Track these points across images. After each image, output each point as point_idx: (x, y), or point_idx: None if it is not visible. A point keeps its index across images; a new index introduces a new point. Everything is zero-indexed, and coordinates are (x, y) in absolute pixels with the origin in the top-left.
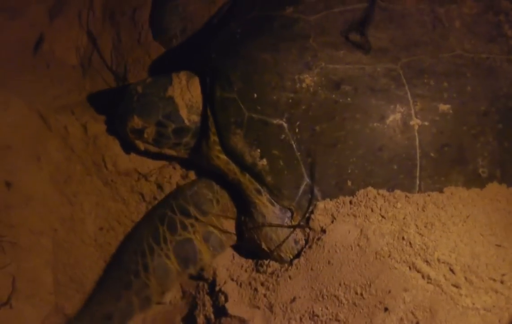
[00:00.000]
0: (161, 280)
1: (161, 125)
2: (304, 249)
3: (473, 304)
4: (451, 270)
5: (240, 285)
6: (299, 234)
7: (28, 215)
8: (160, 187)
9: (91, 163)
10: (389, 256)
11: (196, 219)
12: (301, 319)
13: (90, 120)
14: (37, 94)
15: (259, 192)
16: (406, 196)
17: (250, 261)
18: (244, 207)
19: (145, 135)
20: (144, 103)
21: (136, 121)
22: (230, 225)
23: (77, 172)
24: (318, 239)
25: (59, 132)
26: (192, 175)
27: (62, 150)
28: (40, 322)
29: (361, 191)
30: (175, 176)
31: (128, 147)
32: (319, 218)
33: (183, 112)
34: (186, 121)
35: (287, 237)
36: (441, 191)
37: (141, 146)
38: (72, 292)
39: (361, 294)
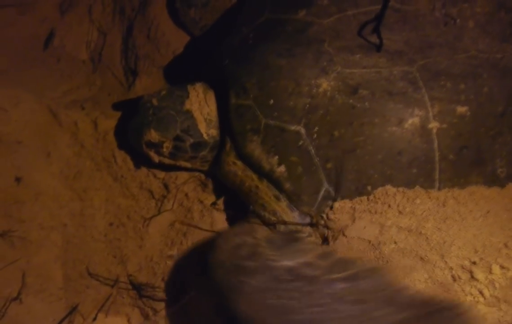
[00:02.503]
0: None
1: (179, 139)
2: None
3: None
4: (471, 262)
5: None
6: (318, 236)
7: (38, 210)
8: (166, 186)
9: (101, 159)
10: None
11: None
12: None
13: (100, 116)
14: (47, 90)
15: (277, 198)
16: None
17: None
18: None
19: (163, 150)
20: (161, 117)
21: (154, 136)
22: None
23: (87, 167)
24: (335, 237)
25: (69, 127)
26: (200, 176)
27: (72, 146)
28: (49, 317)
29: (380, 189)
30: (181, 177)
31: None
32: (337, 217)
33: (202, 127)
34: (204, 135)
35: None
36: None
37: (156, 159)
38: (82, 287)
39: None
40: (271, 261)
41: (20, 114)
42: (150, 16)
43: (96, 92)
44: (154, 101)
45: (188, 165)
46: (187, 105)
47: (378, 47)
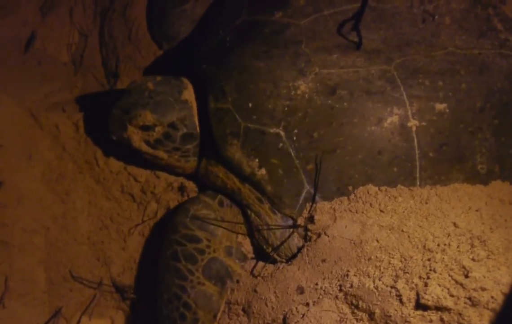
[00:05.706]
0: (207, 307)
1: (172, 127)
2: (303, 248)
3: None
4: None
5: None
6: (300, 238)
7: (20, 214)
8: (144, 193)
9: (83, 161)
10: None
11: (208, 240)
12: None
13: (82, 118)
14: (28, 92)
15: (260, 201)
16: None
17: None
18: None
19: (154, 133)
20: (159, 101)
21: (149, 118)
22: (243, 238)
23: (69, 170)
24: (315, 238)
25: (50, 130)
26: (176, 185)
27: (53, 148)
28: (33, 321)
29: (361, 188)
30: (159, 186)
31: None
32: (318, 218)
33: (197, 120)
34: (198, 128)
35: (288, 237)
36: None
37: (137, 142)
38: (66, 290)
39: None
40: None
41: (0, 118)
42: (131, 17)
43: (78, 95)
44: (150, 85)
45: (165, 156)
46: (185, 95)
47: (358, 45)
